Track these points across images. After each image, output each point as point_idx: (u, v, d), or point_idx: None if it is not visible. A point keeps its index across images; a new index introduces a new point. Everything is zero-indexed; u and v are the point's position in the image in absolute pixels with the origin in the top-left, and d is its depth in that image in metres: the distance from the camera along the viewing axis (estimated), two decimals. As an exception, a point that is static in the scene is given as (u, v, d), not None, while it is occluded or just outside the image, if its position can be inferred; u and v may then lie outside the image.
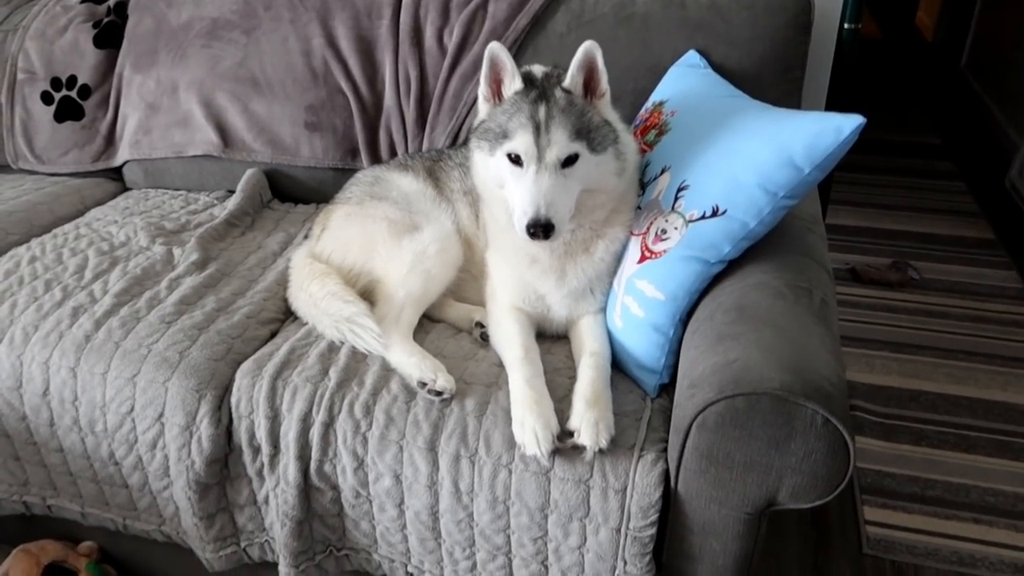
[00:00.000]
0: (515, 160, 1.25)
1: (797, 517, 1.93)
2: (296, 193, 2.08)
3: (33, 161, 2.22)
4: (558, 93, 1.26)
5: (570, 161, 1.24)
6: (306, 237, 1.81)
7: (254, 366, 1.42)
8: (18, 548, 1.65)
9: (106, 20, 2.18)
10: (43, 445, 1.54)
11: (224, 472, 1.43)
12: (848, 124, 1.15)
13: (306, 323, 1.53)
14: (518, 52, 1.82)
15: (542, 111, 1.23)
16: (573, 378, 1.32)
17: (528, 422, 1.21)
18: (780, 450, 1.06)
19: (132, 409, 1.43)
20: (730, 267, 1.29)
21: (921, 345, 2.51)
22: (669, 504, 1.19)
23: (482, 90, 1.32)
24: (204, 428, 1.38)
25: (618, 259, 1.39)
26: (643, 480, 1.18)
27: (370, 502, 1.35)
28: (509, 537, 1.28)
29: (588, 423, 1.20)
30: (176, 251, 1.75)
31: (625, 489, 1.19)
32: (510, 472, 1.24)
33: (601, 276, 1.40)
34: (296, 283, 1.59)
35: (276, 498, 1.39)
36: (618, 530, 1.20)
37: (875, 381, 2.36)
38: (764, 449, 1.07)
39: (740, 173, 1.23)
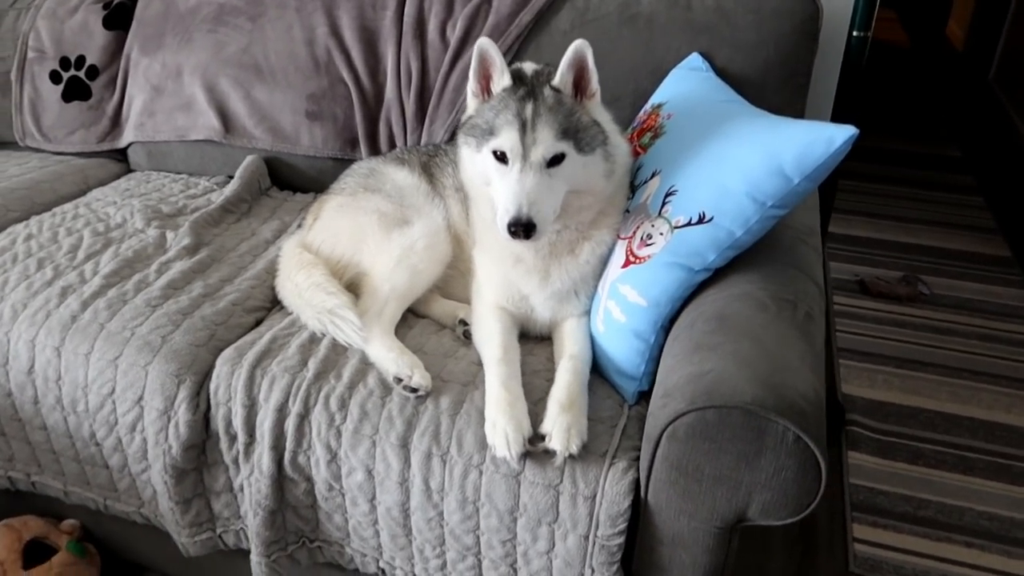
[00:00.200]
0: (500, 157, 1.24)
1: (784, 531, 1.89)
2: (295, 181, 2.08)
3: (40, 139, 2.24)
4: (546, 91, 1.24)
5: (556, 161, 1.23)
6: (299, 226, 1.80)
7: (235, 354, 1.42)
8: (1, 523, 1.66)
9: (116, 1, 2.19)
10: (28, 422, 1.55)
11: (201, 458, 1.43)
12: (840, 135, 1.12)
13: (291, 313, 1.53)
14: (520, 48, 1.80)
15: (529, 109, 1.21)
16: (552, 381, 1.30)
17: (500, 423, 1.20)
18: (750, 465, 1.04)
19: (113, 391, 1.43)
20: (716, 276, 1.27)
21: (925, 362, 2.46)
22: (639, 513, 1.17)
23: (471, 86, 1.30)
24: (182, 413, 1.38)
25: (604, 262, 1.37)
26: (613, 488, 1.16)
27: (343, 495, 1.34)
28: (479, 538, 1.27)
29: (560, 428, 1.18)
30: (169, 235, 1.76)
31: (594, 496, 1.17)
32: (480, 473, 1.22)
33: (586, 279, 1.38)
34: (284, 272, 1.59)
35: (250, 487, 1.39)
36: (586, 537, 1.19)
37: (875, 396, 2.31)
38: (734, 463, 1.05)
39: (728, 180, 1.21)
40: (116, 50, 2.17)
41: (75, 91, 2.20)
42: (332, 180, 1.79)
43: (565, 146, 1.23)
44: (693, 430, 1.05)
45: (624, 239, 1.32)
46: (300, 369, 1.36)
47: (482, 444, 1.22)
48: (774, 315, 1.18)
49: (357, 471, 1.30)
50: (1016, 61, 4.12)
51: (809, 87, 1.70)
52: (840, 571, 1.79)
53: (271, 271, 1.65)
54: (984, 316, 2.68)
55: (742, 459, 1.04)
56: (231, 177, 2.06)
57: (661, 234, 1.26)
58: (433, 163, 1.66)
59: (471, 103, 1.32)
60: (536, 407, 1.25)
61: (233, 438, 1.39)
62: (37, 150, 2.25)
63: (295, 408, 1.33)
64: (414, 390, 1.28)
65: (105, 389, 1.43)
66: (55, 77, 2.20)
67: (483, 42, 1.25)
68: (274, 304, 1.59)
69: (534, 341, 1.45)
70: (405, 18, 1.90)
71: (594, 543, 1.19)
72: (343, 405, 1.31)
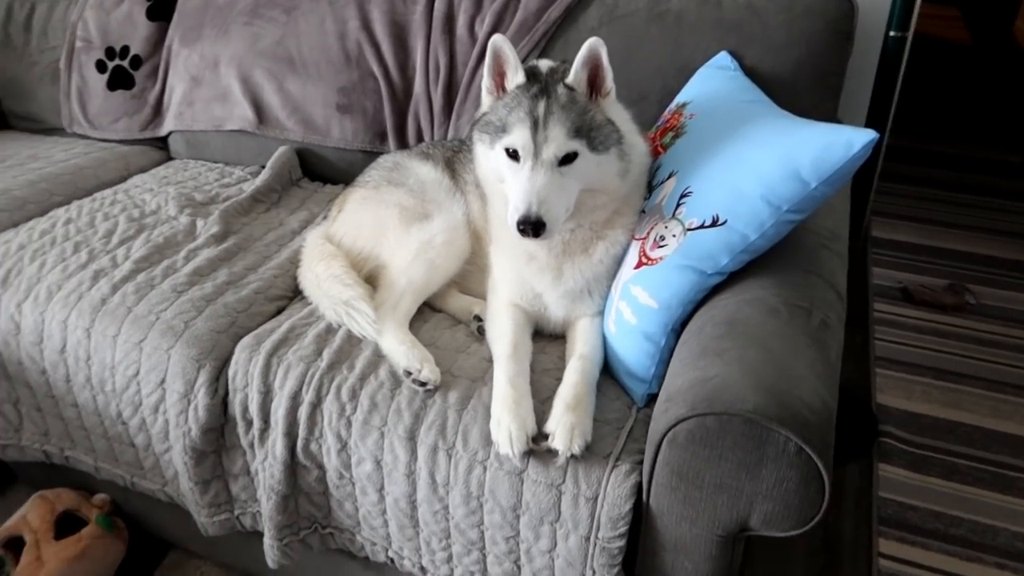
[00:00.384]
0: (512, 155, 1.23)
1: (807, 540, 1.86)
2: (326, 173, 2.12)
3: (86, 126, 2.32)
4: (560, 89, 1.23)
5: (568, 159, 1.22)
6: (325, 217, 1.83)
7: (254, 341, 1.45)
8: (36, 494, 1.74)
9: (160, -7, 2.26)
10: (60, 399, 1.61)
11: (220, 441, 1.47)
12: (859, 139, 1.09)
13: (311, 303, 1.56)
14: (548, 45, 1.79)
15: (541, 106, 1.21)
16: (561, 380, 1.30)
17: (504, 421, 1.20)
18: (751, 475, 1.02)
19: (138, 373, 1.48)
20: (730, 280, 1.24)
21: (967, 374, 2.37)
22: (642, 517, 1.16)
23: (485, 82, 1.30)
24: (201, 397, 1.42)
25: (618, 262, 1.35)
26: (615, 490, 1.15)
27: (353, 484, 1.36)
28: (483, 533, 1.28)
29: (564, 427, 1.18)
30: (199, 222, 1.81)
31: (596, 498, 1.16)
32: (485, 469, 1.23)
33: (599, 278, 1.37)
34: (306, 263, 1.62)
35: (264, 471, 1.42)
36: (587, 538, 1.18)
37: (911, 408, 2.24)
38: (734, 472, 1.03)
39: (744, 183, 1.18)
40: (159, 41, 2.24)
41: (119, 80, 2.27)
42: (361, 172, 1.81)
43: (577, 144, 1.21)
44: (693, 436, 1.04)
45: (638, 240, 1.31)
46: (315, 359, 1.39)
47: (487, 440, 1.23)
48: (785, 321, 1.15)
49: (366, 461, 1.32)
50: (1084, 61, 3.92)
51: (843, 88, 1.64)
52: (862, 585, 1.75)
53: (295, 261, 1.68)
54: (1033, 329, 2.58)
55: (743, 468, 1.02)
56: (264, 167, 2.10)
57: (674, 236, 1.24)
58: (457, 159, 1.67)
59: (485, 100, 1.32)
60: (544, 405, 1.25)
61: (249, 423, 1.43)
62: (83, 137, 2.34)
63: (308, 397, 1.35)
64: (423, 384, 1.29)
65: (130, 371, 1.48)
66: (101, 66, 2.28)
67: (497, 39, 1.24)
68: (296, 294, 1.62)
69: (547, 339, 1.44)
70: (435, 13, 1.91)
71: (595, 544, 1.18)
72: (354, 396, 1.33)
